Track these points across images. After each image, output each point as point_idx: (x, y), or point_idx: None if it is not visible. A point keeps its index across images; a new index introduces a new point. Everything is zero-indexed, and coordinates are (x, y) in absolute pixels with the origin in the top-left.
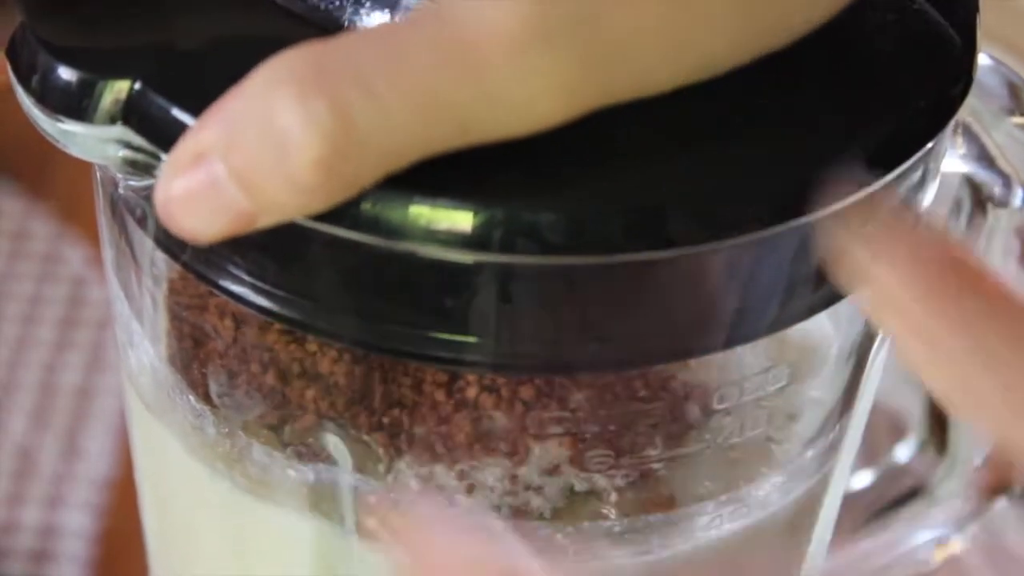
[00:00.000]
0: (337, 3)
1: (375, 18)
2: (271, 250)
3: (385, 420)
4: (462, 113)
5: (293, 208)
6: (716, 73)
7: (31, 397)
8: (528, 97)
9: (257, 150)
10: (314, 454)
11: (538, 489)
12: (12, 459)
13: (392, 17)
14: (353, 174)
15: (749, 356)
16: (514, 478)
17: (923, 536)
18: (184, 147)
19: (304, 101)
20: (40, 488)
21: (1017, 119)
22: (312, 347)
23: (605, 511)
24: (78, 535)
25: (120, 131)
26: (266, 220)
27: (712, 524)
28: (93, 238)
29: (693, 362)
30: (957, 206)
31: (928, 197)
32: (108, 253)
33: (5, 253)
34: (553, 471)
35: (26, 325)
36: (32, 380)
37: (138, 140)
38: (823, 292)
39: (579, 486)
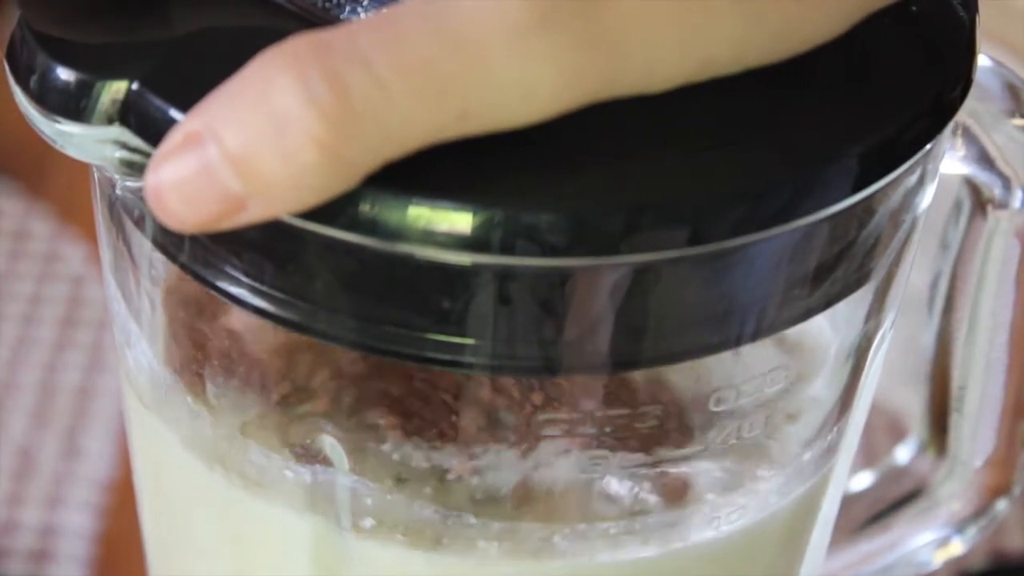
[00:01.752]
0: (336, 1)
1: None
2: (269, 252)
3: (382, 423)
4: (461, 97)
5: (285, 194)
6: (717, 75)
7: (31, 397)
8: (529, 83)
9: (254, 129)
10: (312, 456)
11: (536, 489)
12: (12, 459)
13: None
14: (351, 158)
15: (748, 357)
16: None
17: (923, 538)
18: (176, 130)
19: (303, 80)
20: (40, 488)
21: (1017, 121)
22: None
23: (603, 512)
24: (78, 535)
25: (118, 132)
26: (257, 208)
27: (711, 525)
28: (92, 237)
29: (691, 363)
30: (957, 208)
31: (926, 199)
32: (106, 254)
33: (5, 253)
34: (551, 472)
35: (26, 325)
36: (32, 380)
37: (135, 141)
38: (822, 293)
39: (576, 487)
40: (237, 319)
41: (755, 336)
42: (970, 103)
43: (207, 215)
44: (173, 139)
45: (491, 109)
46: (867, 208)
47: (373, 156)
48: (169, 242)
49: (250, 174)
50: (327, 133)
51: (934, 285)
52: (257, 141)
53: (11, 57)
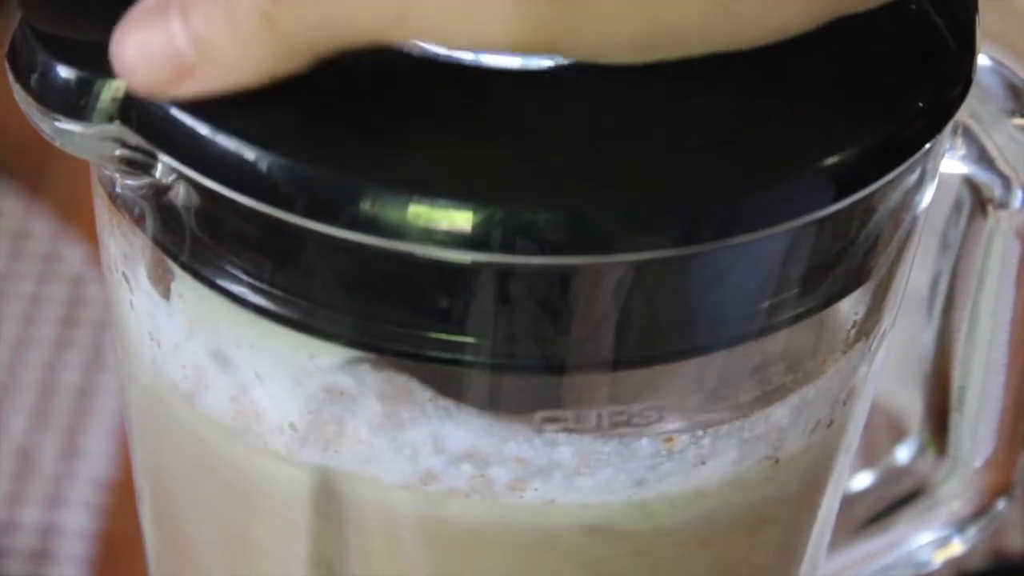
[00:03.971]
0: None
1: None
2: (270, 250)
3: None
4: None
5: (229, 63)
6: (686, 54)
7: (31, 397)
8: (476, 6)
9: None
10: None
11: None
12: (12, 459)
13: None
14: (289, 34)
15: (750, 354)
16: None
17: (923, 537)
18: None
19: None
20: (40, 488)
21: (1017, 120)
22: None
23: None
24: (78, 535)
25: (118, 130)
26: (205, 77)
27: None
28: (92, 237)
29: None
30: (957, 208)
31: (926, 198)
32: (105, 253)
33: (5, 253)
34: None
35: (26, 325)
36: (32, 380)
37: (135, 139)
38: (821, 292)
39: None
40: None
41: (753, 335)
42: (970, 103)
43: (161, 77)
44: (147, 2)
45: (431, 19)
46: (867, 207)
47: (311, 39)
48: (169, 241)
49: (201, 40)
50: (270, 2)
51: (934, 285)
52: (209, 14)
53: (12, 56)
